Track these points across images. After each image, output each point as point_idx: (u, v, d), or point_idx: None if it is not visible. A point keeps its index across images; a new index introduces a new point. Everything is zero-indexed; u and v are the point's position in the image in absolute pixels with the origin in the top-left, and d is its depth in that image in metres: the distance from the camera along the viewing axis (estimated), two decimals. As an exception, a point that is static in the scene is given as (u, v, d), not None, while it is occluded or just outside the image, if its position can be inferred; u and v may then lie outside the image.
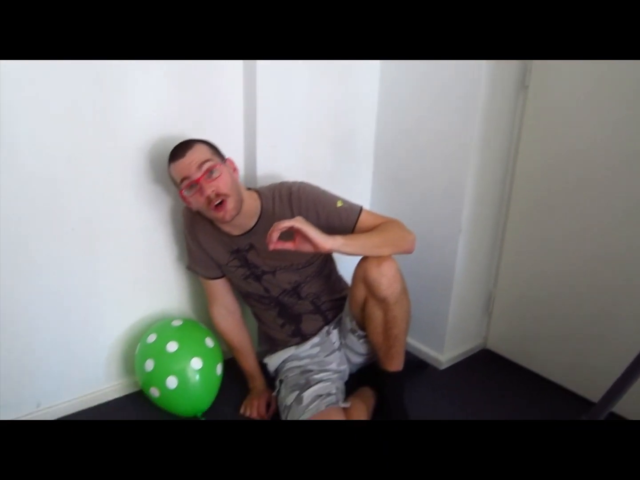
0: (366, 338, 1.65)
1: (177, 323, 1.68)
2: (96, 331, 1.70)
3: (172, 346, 1.58)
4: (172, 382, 1.56)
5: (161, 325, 1.69)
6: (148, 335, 1.65)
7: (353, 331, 1.66)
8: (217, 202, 1.44)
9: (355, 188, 2.10)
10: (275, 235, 1.32)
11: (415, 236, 1.51)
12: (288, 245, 1.37)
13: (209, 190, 1.42)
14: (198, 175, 1.42)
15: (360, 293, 1.53)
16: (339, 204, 1.54)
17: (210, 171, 1.43)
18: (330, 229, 1.46)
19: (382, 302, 1.48)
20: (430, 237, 1.90)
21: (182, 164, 1.43)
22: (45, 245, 1.52)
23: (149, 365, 1.58)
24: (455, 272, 1.88)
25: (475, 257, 1.95)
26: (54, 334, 1.61)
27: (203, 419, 1.64)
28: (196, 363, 1.59)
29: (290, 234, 1.36)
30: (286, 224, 1.32)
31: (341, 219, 1.52)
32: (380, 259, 1.45)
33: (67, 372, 1.68)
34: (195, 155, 1.43)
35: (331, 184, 1.62)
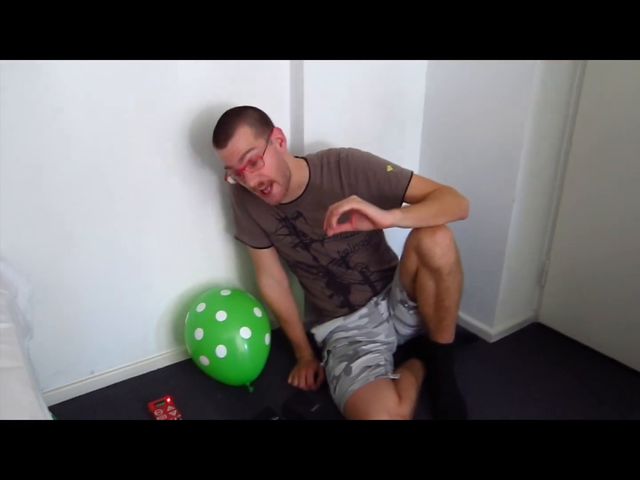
0: (416, 309, 1.62)
1: (225, 293, 1.69)
2: (145, 300, 1.73)
3: (221, 315, 1.59)
4: (221, 350, 1.57)
5: (210, 295, 1.70)
6: (197, 305, 1.66)
7: (403, 302, 1.63)
8: (263, 189, 1.44)
9: (403, 154, 2.03)
10: (334, 220, 1.27)
11: (469, 202, 1.47)
12: (346, 227, 1.32)
13: (253, 181, 1.41)
14: (240, 166, 1.40)
15: (412, 262, 1.50)
16: (389, 168, 1.49)
17: (253, 162, 1.40)
18: (381, 196, 1.44)
19: (435, 272, 1.45)
20: (482, 207, 1.84)
21: (224, 153, 1.41)
22: (95, 213, 1.53)
23: (199, 334, 1.60)
24: (507, 243, 1.82)
25: (529, 228, 1.88)
26: (105, 303, 1.64)
27: (252, 388, 1.66)
28: (245, 332, 1.59)
29: (345, 214, 1.31)
30: (345, 207, 1.26)
31: (391, 185, 1.48)
32: (434, 227, 1.41)
33: (118, 340, 1.71)
34: (237, 145, 1.38)
35: (378, 150, 1.57)
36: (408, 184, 1.48)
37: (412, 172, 1.51)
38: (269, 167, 1.41)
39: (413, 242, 1.47)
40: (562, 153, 1.82)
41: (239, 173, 1.42)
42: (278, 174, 1.44)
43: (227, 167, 1.44)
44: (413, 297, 1.59)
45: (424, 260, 1.45)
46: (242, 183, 1.47)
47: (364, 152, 1.53)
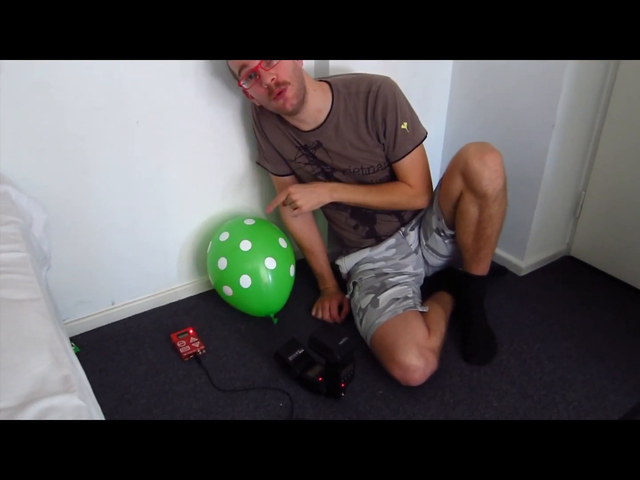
0: (453, 238, 1.55)
1: (249, 222, 1.63)
2: (166, 229, 1.68)
3: (245, 245, 1.54)
4: (245, 281, 1.53)
5: (234, 224, 1.64)
6: (220, 234, 1.60)
7: (439, 231, 1.56)
8: (278, 91, 1.31)
9: (432, 74, 1.90)
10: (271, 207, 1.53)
11: (427, 198, 1.55)
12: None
13: (268, 78, 1.29)
14: (256, 63, 1.28)
15: (456, 186, 1.42)
16: (404, 125, 1.41)
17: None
18: (380, 144, 1.45)
19: (481, 197, 1.37)
20: (519, 133, 1.73)
21: None
22: (111, 139, 1.45)
23: (222, 263, 1.55)
24: (544, 172, 1.71)
25: (567, 156, 1.76)
26: (125, 233, 1.59)
27: (276, 320, 1.62)
28: (270, 263, 1.55)
29: None
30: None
31: (395, 145, 1.44)
32: (483, 148, 1.35)
33: (139, 271, 1.68)
34: None
35: (407, 65, 1.44)
36: (406, 155, 1.46)
37: (418, 144, 1.47)
38: (284, 67, 1.30)
39: (459, 163, 1.39)
40: (608, 76, 1.68)
41: (254, 71, 1.30)
42: (294, 77, 1.33)
43: (241, 69, 1.32)
44: (451, 224, 1.52)
45: (470, 185, 1.37)
46: (255, 93, 1.36)
47: (397, 90, 1.41)
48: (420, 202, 1.55)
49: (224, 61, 1.49)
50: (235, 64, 1.33)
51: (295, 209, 1.48)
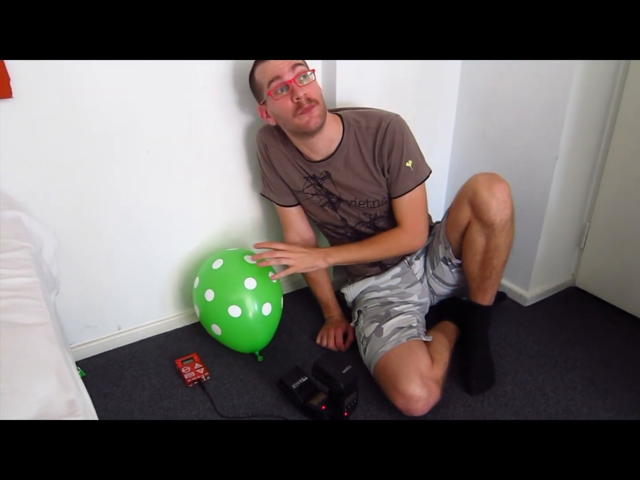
0: (459, 267, 1.56)
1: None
2: (173, 256, 1.70)
3: (250, 283, 1.55)
4: (266, 308, 1.56)
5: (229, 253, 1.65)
6: (244, 255, 1.61)
7: (446, 260, 1.57)
8: (307, 107, 1.33)
9: (439, 108, 1.94)
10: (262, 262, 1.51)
11: (423, 239, 1.55)
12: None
13: (301, 92, 1.32)
14: (291, 76, 1.32)
15: (464, 215, 1.44)
16: (408, 163, 1.44)
17: (303, 74, 1.34)
18: (385, 176, 1.46)
19: (488, 227, 1.39)
20: (523, 164, 1.75)
21: (273, 63, 1.33)
22: (121, 167, 1.48)
23: (251, 283, 1.54)
24: (548, 203, 1.73)
25: (571, 187, 1.78)
26: (133, 257, 1.61)
27: (261, 358, 1.62)
28: (266, 309, 1.57)
29: None
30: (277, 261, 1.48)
31: (397, 181, 1.46)
32: (492, 179, 1.37)
33: (146, 296, 1.70)
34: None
35: (413, 102, 1.48)
36: (406, 193, 1.47)
37: (422, 180, 1.48)
38: (315, 87, 1.37)
39: (467, 192, 1.41)
40: (612, 104, 1.70)
41: (287, 84, 1.32)
42: (321, 98, 1.38)
43: (272, 80, 1.34)
44: (458, 253, 1.54)
45: (477, 214, 1.39)
46: (281, 106, 1.35)
47: (406, 129, 1.44)
48: (416, 243, 1.57)
49: (230, 92, 1.54)
50: (268, 74, 1.35)
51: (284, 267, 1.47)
